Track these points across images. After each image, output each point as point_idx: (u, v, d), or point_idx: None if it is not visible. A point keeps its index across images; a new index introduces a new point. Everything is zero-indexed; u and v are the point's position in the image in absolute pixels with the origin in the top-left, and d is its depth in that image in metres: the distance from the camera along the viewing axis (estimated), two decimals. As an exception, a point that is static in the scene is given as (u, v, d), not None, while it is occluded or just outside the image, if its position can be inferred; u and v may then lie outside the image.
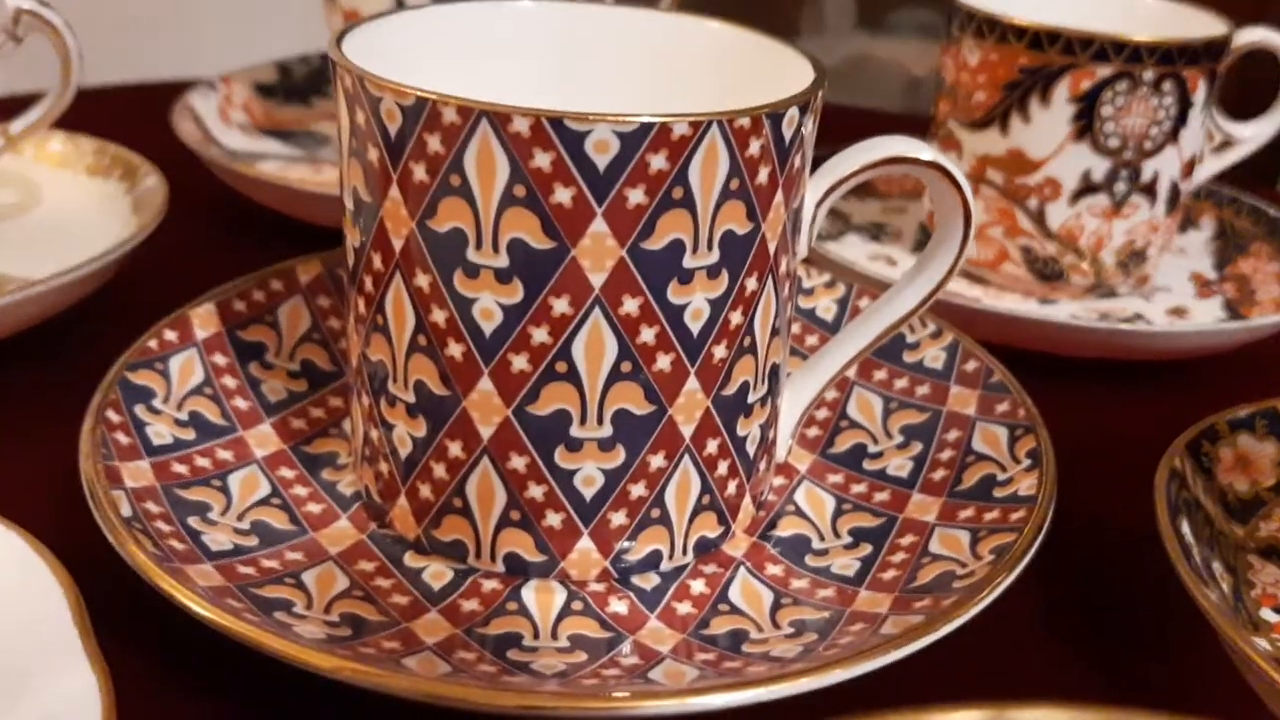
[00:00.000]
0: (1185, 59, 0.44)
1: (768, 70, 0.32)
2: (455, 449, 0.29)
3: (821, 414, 0.37)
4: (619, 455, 0.29)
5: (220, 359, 0.35)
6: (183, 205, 0.47)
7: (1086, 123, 0.44)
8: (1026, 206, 0.46)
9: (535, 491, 0.29)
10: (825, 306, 0.41)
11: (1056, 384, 0.42)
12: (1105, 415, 0.42)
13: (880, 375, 0.38)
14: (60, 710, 0.22)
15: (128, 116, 0.57)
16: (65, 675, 0.23)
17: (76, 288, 0.40)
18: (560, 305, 0.27)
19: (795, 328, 0.40)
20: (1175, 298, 0.49)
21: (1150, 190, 0.46)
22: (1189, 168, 0.47)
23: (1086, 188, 0.45)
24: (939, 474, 0.34)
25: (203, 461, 0.32)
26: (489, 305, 0.27)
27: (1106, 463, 0.39)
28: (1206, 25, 0.47)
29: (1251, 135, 0.50)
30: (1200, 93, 0.45)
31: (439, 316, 0.28)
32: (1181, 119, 0.45)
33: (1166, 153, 0.45)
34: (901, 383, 0.37)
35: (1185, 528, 0.31)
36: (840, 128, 0.53)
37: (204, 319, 0.36)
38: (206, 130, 0.54)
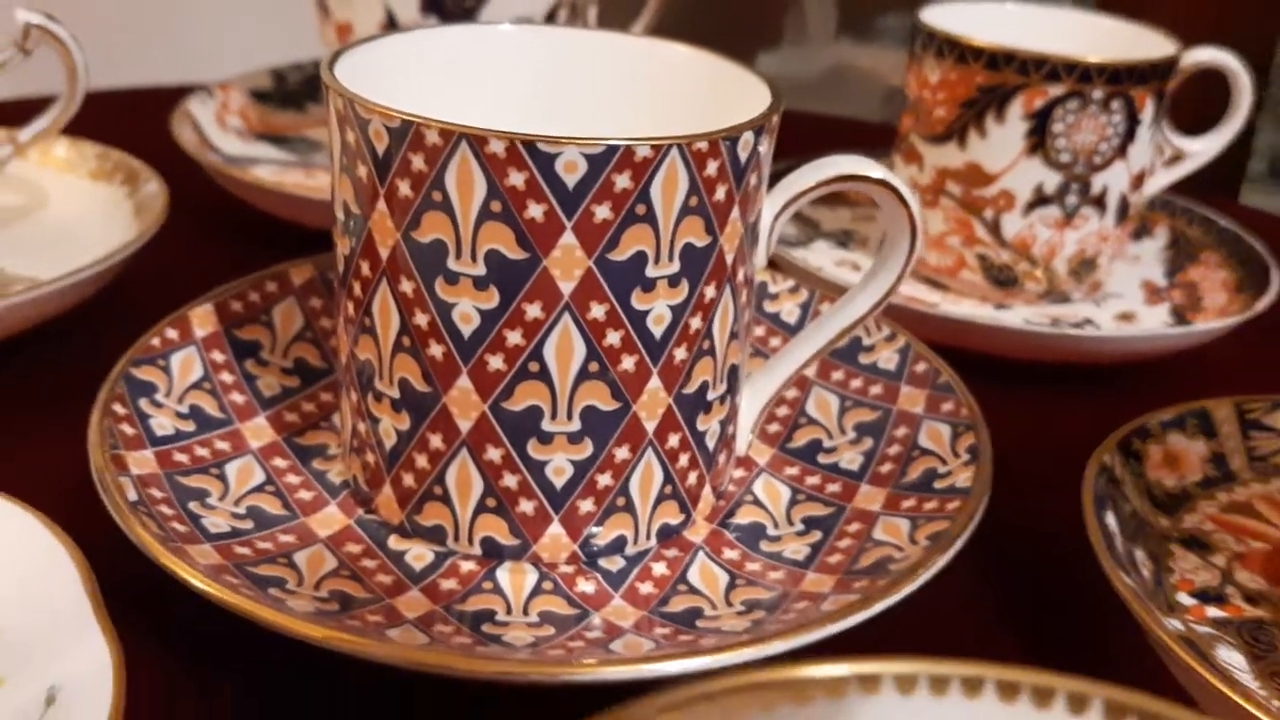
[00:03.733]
0: (1133, 79, 0.47)
1: (730, 92, 0.35)
2: (436, 441, 0.31)
3: (782, 411, 0.40)
4: (587, 448, 0.31)
5: (218, 356, 0.38)
6: (182, 208, 0.50)
7: (1039, 139, 0.47)
8: (983, 217, 0.49)
9: (510, 480, 0.31)
10: (789, 310, 0.43)
11: (1010, 386, 0.45)
12: (1052, 416, 0.45)
13: (838, 375, 0.40)
14: (75, 675, 0.24)
15: (129, 120, 0.59)
16: (80, 644, 0.25)
17: (81, 288, 0.43)
18: (533, 310, 0.29)
19: (760, 330, 0.43)
20: (1125, 304, 0.51)
21: (1100, 202, 0.48)
22: (1138, 181, 0.49)
23: (1039, 200, 0.48)
24: (886, 467, 0.36)
25: (202, 451, 0.35)
26: (468, 310, 0.30)
27: (1047, 460, 0.42)
28: (1157, 46, 0.50)
29: (1201, 149, 0.53)
30: (1148, 111, 0.48)
31: (422, 319, 0.30)
32: (1130, 135, 0.48)
33: (1115, 167, 0.48)
34: (857, 383, 0.40)
35: (1110, 519, 0.33)
36: (818, 137, 0.55)
37: (203, 319, 0.38)
38: (204, 136, 0.56)
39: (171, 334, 0.37)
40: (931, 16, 0.50)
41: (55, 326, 0.44)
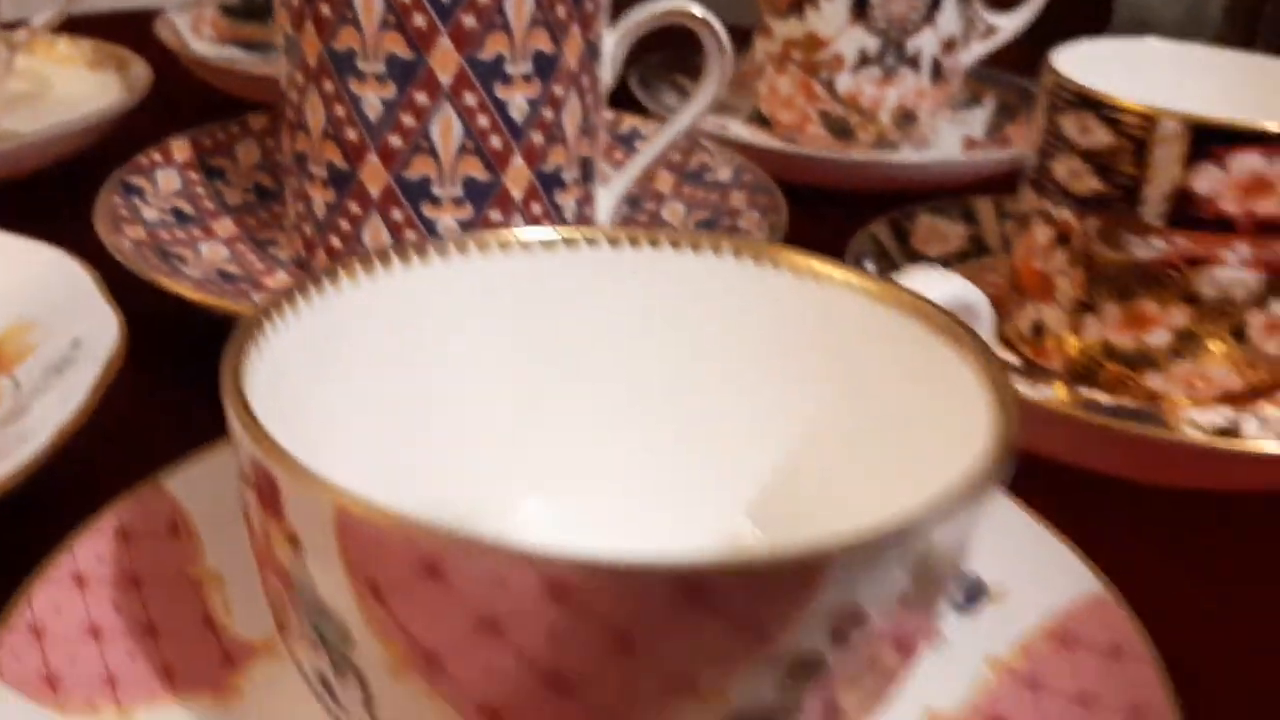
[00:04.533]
0: (937, -41, 0.57)
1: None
2: (354, 207, 0.42)
3: (644, 219, 0.51)
4: (468, 210, 0.42)
5: (193, 175, 0.49)
6: (163, 93, 0.60)
7: (861, 9, 0.58)
8: (820, 78, 0.59)
9: (411, 236, 0.42)
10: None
11: (844, 211, 0.56)
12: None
13: (688, 190, 0.51)
14: (92, 330, 0.35)
15: (116, 35, 0.69)
16: (93, 314, 0.36)
17: (83, 135, 0.53)
18: (421, 99, 0.40)
19: (631, 163, 0.54)
20: (944, 153, 0.62)
21: (914, 63, 0.59)
22: (948, 46, 0.60)
23: (863, 61, 0.59)
24: (710, 241, 0.47)
25: (181, 234, 0.45)
26: (373, 101, 0.40)
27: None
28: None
29: (1007, 25, 0.64)
30: (952, -15, 0.58)
31: (340, 111, 0.41)
32: (935, 5, 0.58)
33: (925, 33, 0.59)
34: (700, 194, 0.51)
35: (870, 267, 0.44)
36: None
37: (180, 148, 0.49)
38: (182, 40, 0.67)
39: (156, 156, 0.48)
40: (779, -83, 0.61)
41: (65, 168, 0.54)
